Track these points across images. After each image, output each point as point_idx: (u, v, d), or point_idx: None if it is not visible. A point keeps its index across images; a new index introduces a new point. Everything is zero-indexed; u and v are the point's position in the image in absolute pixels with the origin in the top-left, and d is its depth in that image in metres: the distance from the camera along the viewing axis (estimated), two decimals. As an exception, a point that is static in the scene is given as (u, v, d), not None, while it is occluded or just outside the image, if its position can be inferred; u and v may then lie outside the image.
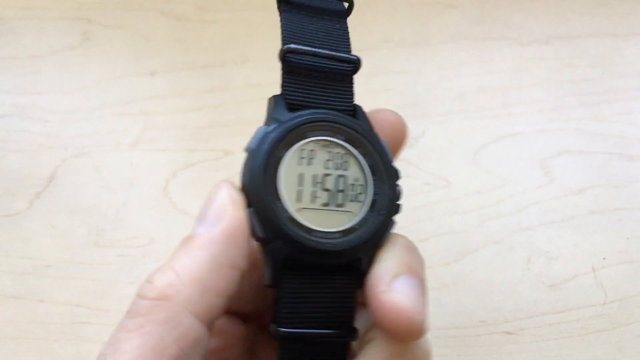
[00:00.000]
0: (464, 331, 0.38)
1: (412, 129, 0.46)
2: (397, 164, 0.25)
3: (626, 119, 0.46)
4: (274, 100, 0.24)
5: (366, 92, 0.48)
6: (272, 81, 0.48)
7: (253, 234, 0.22)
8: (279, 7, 0.26)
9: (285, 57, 0.25)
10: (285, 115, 0.23)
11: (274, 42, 0.50)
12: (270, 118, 0.23)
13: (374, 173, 0.24)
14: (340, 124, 0.24)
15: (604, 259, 0.40)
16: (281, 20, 0.26)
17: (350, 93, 0.25)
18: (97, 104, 0.48)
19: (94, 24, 0.51)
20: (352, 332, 0.23)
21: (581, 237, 0.41)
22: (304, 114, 0.23)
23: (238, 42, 0.50)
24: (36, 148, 0.46)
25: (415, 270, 0.22)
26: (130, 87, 0.48)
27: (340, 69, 0.25)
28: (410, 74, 0.49)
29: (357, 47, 0.49)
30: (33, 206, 0.43)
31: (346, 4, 0.27)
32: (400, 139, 0.27)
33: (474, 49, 0.50)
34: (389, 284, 0.21)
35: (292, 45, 0.24)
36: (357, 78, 0.48)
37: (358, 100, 0.48)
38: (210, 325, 0.21)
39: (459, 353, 0.38)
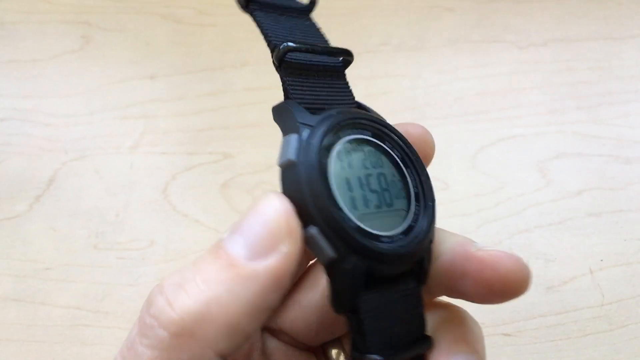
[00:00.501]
0: (463, 333, 0.38)
1: (411, 132, 0.46)
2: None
3: (624, 122, 0.46)
4: (289, 107, 0.21)
5: (365, 96, 0.48)
6: (271, 84, 0.49)
7: (318, 256, 0.19)
8: (245, 8, 0.24)
9: (285, 57, 0.22)
10: (312, 119, 0.21)
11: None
12: (299, 125, 0.20)
13: (406, 165, 0.23)
14: (365, 119, 0.22)
15: (601, 261, 0.40)
16: (257, 21, 0.23)
17: (349, 89, 0.24)
18: (98, 108, 0.48)
19: (94, 28, 0.51)
20: (429, 341, 0.21)
21: (579, 240, 0.41)
22: (332, 115, 0.21)
23: (238, 46, 0.51)
24: (37, 151, 0.46)
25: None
26: (130, 90, 0.48)
27: (334, 65, 0.24)
28: (409, 78, 0.49)
29: (356, 51, 0.50)
30: (33, 209, 0.43)
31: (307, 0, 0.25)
32: (428, 153, 0.25)
33: (472, 52, 0.50)
34: None
35: (290, 44, 0.22)
36: (355, 81, 0.49)
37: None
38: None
39: (458, 355, 0.38)
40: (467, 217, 0.43)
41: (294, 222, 0.18)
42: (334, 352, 0.32)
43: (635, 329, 0.38)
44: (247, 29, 0.51)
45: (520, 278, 0.20)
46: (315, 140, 0.20)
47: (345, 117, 0.21)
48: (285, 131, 0.20)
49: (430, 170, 0.44)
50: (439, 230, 0.22)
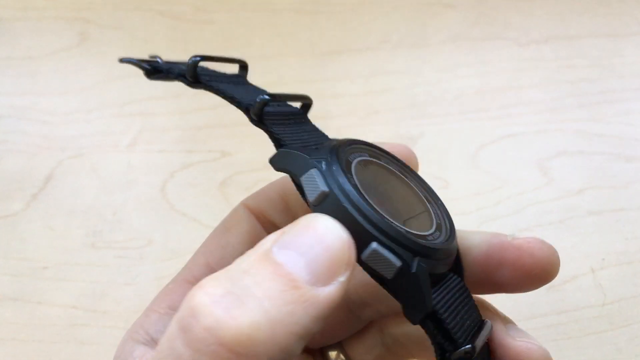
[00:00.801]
0: (463, 333, 0.38)
1: (411, 130, 0.46)
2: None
3: (625, 120, 0.46)
4: (291, 151, 0.22)
5: (365, 93, 0.48)
6: (270, 82, 0.48)
7: (383, 271, 0.19)
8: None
9: (265, 112, 0.22)
10: (318, 154, 0.21)
11: (272, 43, 0.51)
12: (312, 161, 0.21)
13: (405, 175, 0.24)
14: (358, 143, 0.23)
15: (603, 260, 0.40)
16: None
17: (318, 129, 0.25)
18: (95, 105, 0.47)
19: (92, 25, 0.51)
20: (489, 324, 0.22)
21: (580, 239, 0.41)
22: (332, 145, 0.22)
23: (236, 43, 0.50)
24: (34, 149, 0.45)
25: None
26: (127, 88, 0.48)
27: (300, 112, 0.25)
28: (408, 75, 0.49)
29: (356, 48, 0.50)
30: (30, 207, 0.43)
31: None
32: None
33: (472, 49, 0.50)
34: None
35: (266, 96, 0.22)
36: (355, 79, 0.49)
37: (357, 101, 0.48)
38: None
39: (458, 354, 0.38)
40: (467, 215, 0.42)
41: (354, 253, 0.18)
42: (332, 354, 0.32)
43: (637, 328, 0.38)
44: (245, 26, 0.51)
45: (554, 262, 0.22)
46: (337, 167, 0.20)
47: (344, 144, 0.22)
48: (300, 172, 0.20)
49: (430, 168, 0.44)
50: (459, 229, 0.23)
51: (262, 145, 0.49)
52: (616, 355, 0.37)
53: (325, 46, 0.50)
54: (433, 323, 0.20)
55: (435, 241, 0.21)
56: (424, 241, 0.20)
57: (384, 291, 0.20)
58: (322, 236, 0.18)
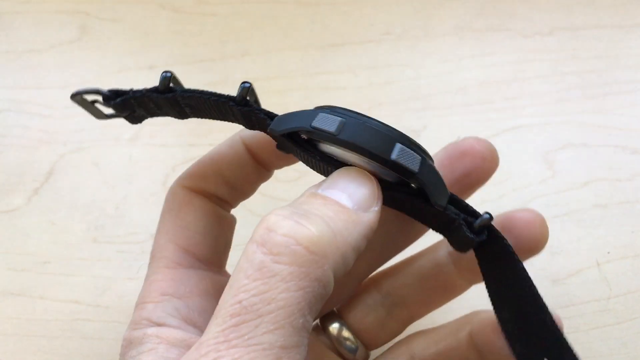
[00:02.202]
0: (467, 327, 0.38)
1: (414, 123, 0.46)
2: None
3: (631, 112, 0.45)
4: (286, 115, 0.25)
5: (368, 86, 0.47)
6: (271, 75, 0.48)
7: (410, 168, 0.22)
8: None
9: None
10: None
11: (274, 36, 0.50)
12: (311, 111, 0.24)
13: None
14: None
15: (608, 253, 0.40)
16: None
17: None
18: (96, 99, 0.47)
19: (92, 18, 0.50)
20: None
21: (585, 231, 0.41)
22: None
23: (238, 36, 0.50)
24: (34, 143, 0.45)
25: None
26: (128, 81, 0.48)
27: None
28: (412, 67, 0.48)
29: (358, 41, 0.49)
30: (31, 202, 0.43)
31: None
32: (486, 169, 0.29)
33: (476, 41, 0.49)
34: None
35: (247, 83, 0.25)
36: (358, 71, 0.48)
37: (360, 93, 0.47)
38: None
39: (462, 349, 0.37)
40: (471, 208, 0.42)
41: (379, 189, 0.23)
42: (333, 327, 0.32)
43: (643, 322, 0.38)
44: (247, 18, 0.51)
45: (541, 237, 0.26)
46: (335, 108, 0.23)
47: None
48: (309, 121, 0.23)
49: (434, 161, 0.44)
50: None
51: (264, 138, 0.48)
52: (622, 349, 0.37)
53: (328, 39, 0.49)
54: (452, 206, 0.24)
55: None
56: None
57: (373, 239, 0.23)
58: (354, 177, 0.22)
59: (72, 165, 0.44)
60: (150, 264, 0.28)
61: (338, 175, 0.23)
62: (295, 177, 0.42)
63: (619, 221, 0.41)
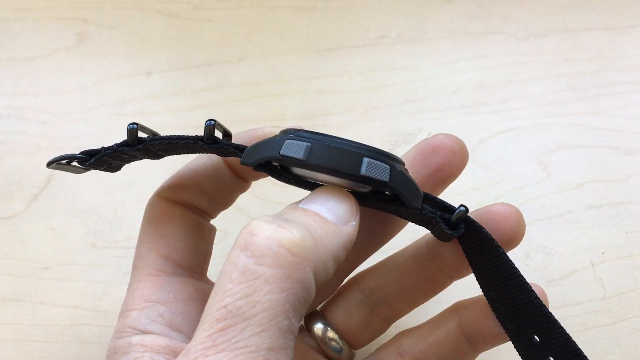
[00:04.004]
0: (463, 328, 0.38)
1: (410, 126, 0.46)
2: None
3: (625, 113, 0.46)
4: (254, 146, 0.25)
5: (363, 90, 0.48)
6: (268, 79, 0.49)
7: (380, 179, 0.23)
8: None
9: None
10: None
11: (270, 40, 0.51)
12: (277, 139, 0.24)
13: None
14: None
15: (602, 253, 0.40)
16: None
17: None
18: (94, 104, 0.47)
19: (90, 24, 0.51)
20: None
21: (580, 232, 0.41)
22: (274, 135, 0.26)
23: (234, 41, 0.50)
24: (33, 149, 0.45)
25: None
26: (126, 87, 0.48)
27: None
28: (407, 70, 0.49)
29: (354, 44, 0.50)
30: (31, 208, 0.43)
31: None
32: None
33: (471, 44, 0.49)
34: None
35: (212, 121, 0.26)
36: (353, 75, 0.48)
37: (356, 97, 0.48)
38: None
39: (459, 350, 0.38)
40: (467, 210, 0.42)
41: (358, 207, 0.24)
42: (318, 328, 0.32)
43: (637, 322, 0.38)
44: (243, 23, 0.51)
45: (518, 231, 0.28)
46: (298, 132, 0.24)
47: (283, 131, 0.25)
48: (277, 149, 0.23)
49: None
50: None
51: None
52: (616, 349, 0.37)
53: (324, 43, 0.50)
54: (427, 205, 0.25)
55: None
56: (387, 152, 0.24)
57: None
58: (332, 195, 0.23)
59: (70, 171, 0.44)
60: (132, 273, 0.28)
61: (317, 193, 0.24)
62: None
63: (613, 222, 0.41)
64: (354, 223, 0.23)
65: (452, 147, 0.28)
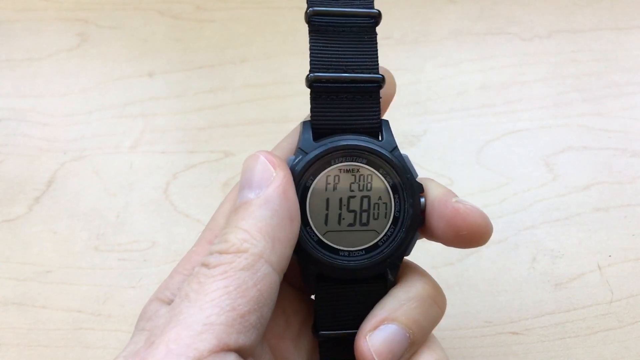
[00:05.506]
0: (469, 332, 0.38)
1: (414, 128, 0.46)
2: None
3: (630, 114, 0.45)
4: (302, 129, 0.26)
5: (367, 91, 0.47)
6: (271, 81, 0.48)
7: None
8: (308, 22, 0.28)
9: (313, 85, 0.26)
10: (310, 145, 0.25)
11: (273, 41, 0.50)
12: (297, 149, 0.26)
13: (395, 191, 0.26)
14: (360, 148, 0.26)
15: (609, 256, 0.40)
16: (310, 46, 0.27)
17: (376, 109, 0.27)
18: (96, 106, 0.47)
19: (91, 25, 0.50)
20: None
21: (586, 235, 0.41)
22: (327, 143, 0.25)
23: (237, 42, 0.50)
24: (35, 152, 0.45)
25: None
26: (128, 88, 0.48)
27: (366, 88, 0.26)
28: (411, 72, 0.48)
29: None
30: (33, 211, 0.43)
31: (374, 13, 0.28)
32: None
33: (475, 45, 0.49)
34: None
35: (318, 74, 0.26)
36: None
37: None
38: (281, 273, 0.24)
39: (465, 354, 0.37)
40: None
41: (277, 159, 0.25)
42: None
43: (646, 326, 0.38)
44: (246, 24, 0.51)
45: (483, 230, 0.25)
46: (299, 167, 0.25)
47: (338, 147, 0.25)
48: (294, 151, 0.25)
49: (434, 166, 0.44)
50: (429, 180, 0.27)
51: (265, 144, 0.48)
52: (624, 353, 0.37)
53: (327, 43, 0.49)
54: (315, 304, 0.27)
55: (341, 259, 0.26)
56: (324, 254, 0.25)
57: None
58: (248, 165, 0.25)
59: (72, 173, 0.44)
60: (202, 232, 0.29)
61: (242, 170, 0.25)
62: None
63: (620, 224, 0.41)
64: (280, 173, 0.24)
65: (483, 231, 0.26)
